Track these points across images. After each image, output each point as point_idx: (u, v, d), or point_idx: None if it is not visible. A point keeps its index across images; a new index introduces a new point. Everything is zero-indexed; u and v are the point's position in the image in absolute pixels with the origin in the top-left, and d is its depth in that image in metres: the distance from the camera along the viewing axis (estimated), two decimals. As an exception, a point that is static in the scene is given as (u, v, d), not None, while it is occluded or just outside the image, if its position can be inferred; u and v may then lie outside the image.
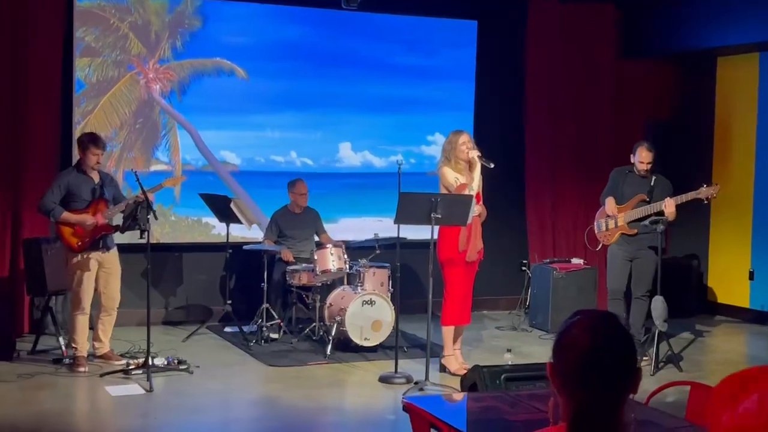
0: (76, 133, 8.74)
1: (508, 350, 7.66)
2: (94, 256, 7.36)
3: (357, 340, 8.06)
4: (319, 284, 8.50)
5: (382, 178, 9.75)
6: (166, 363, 7.36)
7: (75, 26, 8.77)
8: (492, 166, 7.29)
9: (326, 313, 8.37)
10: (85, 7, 8.83)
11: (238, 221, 8.65)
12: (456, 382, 6.75)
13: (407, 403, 4.09)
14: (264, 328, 8.41)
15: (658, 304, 7.86)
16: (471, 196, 7.08)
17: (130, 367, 7.18)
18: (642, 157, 8.03)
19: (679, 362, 7.92)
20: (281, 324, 8.64)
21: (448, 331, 7.48)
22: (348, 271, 8.47)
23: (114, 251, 7.54)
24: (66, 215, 7.26)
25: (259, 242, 8.91)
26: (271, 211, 9.12)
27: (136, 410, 6.41)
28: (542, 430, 2.20)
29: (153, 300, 7.58)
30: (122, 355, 7.67)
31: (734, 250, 10.35)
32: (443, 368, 7.52)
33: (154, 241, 7.74)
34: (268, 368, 7.67)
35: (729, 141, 10.50)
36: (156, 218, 7.31)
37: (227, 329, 8.96)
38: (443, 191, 7.27)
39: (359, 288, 8.28)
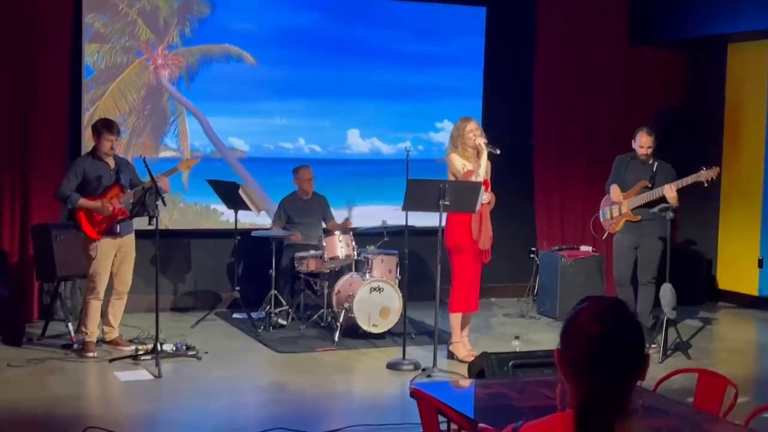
0: (85, 119, 8.76)
1: (516, 337, 7.68)
2: (111, 242, 7.40)
3: (365, 326, 8.08)
4: (327, 271, 8.51)
5: (391, 165, 9.75)
6: (174, 349, 7.39)
7: (84, 12, 8.77)
8: (498, 152, 7.27)
9: (334, 299, 8.38)
10: (94, -7, 8.83)
11: (247, 208, 8.65)
12: (464, 369, 6.76)
13: (415, 390, 4.09)
14: (272, 315, 8.43)
15: (667, 292, 7.85)
16: (480, 183, 7.07)
17: (139, 353, 7.21)
18: (642, 142, 8.03)
19: (688, 350, 7.91)
20: (289, 310, 8.66)
21: (455, 318, 7.48)
22: (356, 257, 8.48)
23: (131, 236, 7.57)
24: (83, 201, 7.30)
25: (268, 228, 8.92)
26: (279, 198, 9.13)
27: (144, 395, 6.44)
28: (550, 416, 2.20)
29: (162, 286, 7.60)
30: (131, 341, 7.71)
31: (743, 238, 10.33)
32: (451, 355, 7.53)
33: (163, 228, 7.76)
34: (276, 354, 7.69)
35: (739, 128, 10.46)
36: (165, 204, 7.33)
37: (235, 315, 8.98)
38: (451, 178, 7.26)
39: (367, 275, 8.29)
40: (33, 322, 8.30)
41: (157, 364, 6.89)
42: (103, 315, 7.58)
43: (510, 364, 5.62)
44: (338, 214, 9.27)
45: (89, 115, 8.76)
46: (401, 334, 7.49)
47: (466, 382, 5.84)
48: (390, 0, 9.91)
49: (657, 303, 8.01)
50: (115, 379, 6.81)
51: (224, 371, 7.13)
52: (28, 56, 8.43)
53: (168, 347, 7.35)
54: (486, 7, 10.21)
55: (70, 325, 7.72)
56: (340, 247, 8.36)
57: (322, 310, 8.54)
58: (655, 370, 6.18)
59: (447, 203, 6.85)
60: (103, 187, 7.38)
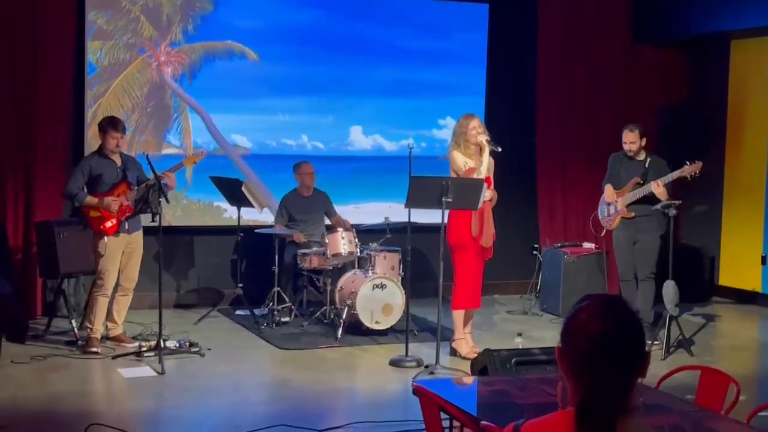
0: (88, 116, 8.78)
1: (519, 334, 7.69)
2: (120, 239, 7.44)
3: (368, 323, 8.08)
4: (330, 268, 8.52)
5: (393, 161, 9.74)
6: (177, 345, 7.40)
7: (87, 9, 8.78)
8: (499, 150, 7.28)
9: (337, 296, 8.39)
10: (97, -10, 8.84)
11: (249, 204, 8.66)
12: (466, 366, 6.76)
13: (417, 387, 4.10)
14: (275, 312, 8.44)
15: (670, 289, 7.86)
16: (482, 180, 7.08)
17: (143, 350, 7.23)
18: (625, 138, 8.17)
19: (690, 347, 7.91)
20: (292, 307, 8.67)
21: (458, 315, 7.49)
22: (359, 254, 8.49)
23: (139, 233, 7.61)
24: (90, 199, 7.33)
25: (271, 225, 8.92)
26: (281, 195, 9.12)
27: (148, 392, 6.45)
28: (551, 414, 2.21)
29: (165, 283, 7.62)
30: (134, 338, 7.73)
31: (746, 235, 10.32)
32: (454, 352, 7.54)
33: (166, 224, 7.77)
34: (279, 351, 7.70)
35: (742, 126, 10.45)
36: (168, 201, 7.34)
37: (238, 312, 8.99)
38: (453, 175, 7.26)
39: (370, 272, 8.29)
40: (36, 319, 8.32)
41: (160, 361, 6.91)
42: (108, 311, 7.60)
43: (513, 361, 5.62)
44: (339, 211, 9.26)
45: (92, 112, 8.78)
46: (404, 331, 7.50)
47: (469, 380, 5.85)
48: (393, -3, 9.92)
49: (659, 300, 8.02)
50: (118, 375, 6.82)
51: (227, 368, 7.14)
52: (31, 53, 8.43)
53: (171, 344, 7.36)
54: (488, 4, 10.20)
55: (73, 321, 7.73)
56: (343, 243, 8.37)
57: (324, 307, 8.55)
58: (657, 367, 6.18)
59: (449, 200, 6.86)
60: (109, 185, 7.40)
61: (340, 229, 8.52)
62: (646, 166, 8.12)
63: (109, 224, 7.36)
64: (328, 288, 8.50)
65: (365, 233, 8.81)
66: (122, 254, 7.51)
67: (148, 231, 7.69)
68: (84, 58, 8.81)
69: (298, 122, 9.74)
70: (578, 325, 2.12)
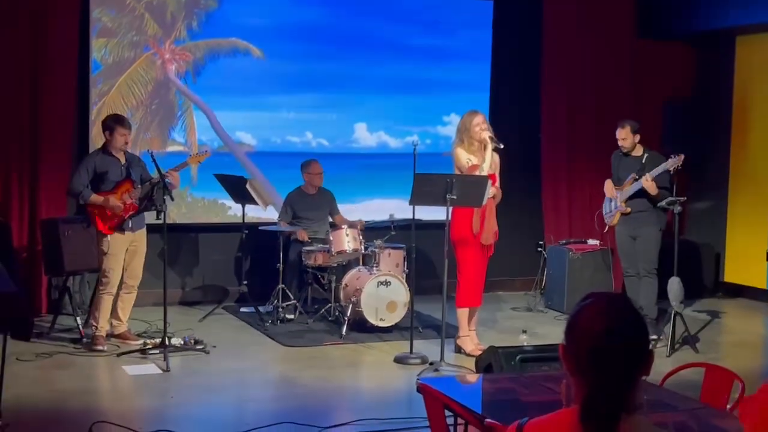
0: (93, 113, 8.78)
1: (524, 331, 7.65)
2: (124, 237, 7.44)
3: (372, 320, 8.09)
4: (335, 265, 8.53)
5: (398, 158, 9.72)
6: (182, 343, 7.41)
7: (91, 7, 8.78)
8: (502, 146, 7.27)
9: (342, 293, 8.39)
10: (101, -13, 8.85)
11: (254, 202, 8.66)
12: (471, 363, 6.76)
13: (421, 385, 4.10)
14: (280, 309, 8.44)
15: (675, 285, 7.86)
16: (486, 177, 7.07)
17: (148, 347, 7.24)
18: (617, 134, 8.26)
19: (696, 343, 7.90)
20: (297, 304, 8.67)
21: (462, 313, 7.48)
22: (363, 251, 8.49)
23: (143, 231, 7.61)
24: (94, 197, 7.33)
25: (275, 223, 8.92)
26: (286, 192, 9.12)
27: (153, 390, 6.45)
28: (555, 412, 2.20)
29: (169, 280, 7.63)
30: (139, 335, 7.73)
31: (752, 231, 10.29)
32: (458, 349, 7.53)
33: (171, 222, 7.78)
34: (283, 348, 7.70)
35: (748, 121, 10.43)
36: (173, 199, 7.34)
37: (243, 309, 9.00)
38: (456, 172, 7.25)
39: (375, 269, 8.29)
40: (42, 317, 8.33)
41: (165, 358, 6.91)
42: (113, 309, 7.61)
43: (517, 358, 5.63)
44: (344, 209, 9.26)
45: (97, 109, 8.78)
46: (408, 328, 7.50)
47: (473, 377, 5.85)
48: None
49: (664, 296, 8.01)
50: (123, 373, 6.83)
51: (232, 365, 7.15)
52: (35, 51, 8.44)
53: (176, 341, 7.36)
54: (493, 0, 10.18)
55: (78, 319, 7.75)
56: (348, 241, 8.37)
57: (329, 304, 8.55)
58: (663, 364, 6.18)
59: (454, 197, 6.85)
60: (114, 183, 7.40)
61: (345, 227, 8.52)
62: (643, 162, 8.17)
63: (111, 223, 7.35)
64: (333, 285, 8.50)
65: (370, 230, 8.81)
66: (126, 252, 7.51)
67: (152, 228, 7.69)
68: (88, 55, 8.81)
69: (302, 119, 9.73)
70: (581, 323, 2.12)
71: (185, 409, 6.14)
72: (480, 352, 6.63)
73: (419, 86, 10.03)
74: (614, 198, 8.33)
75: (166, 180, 7.17)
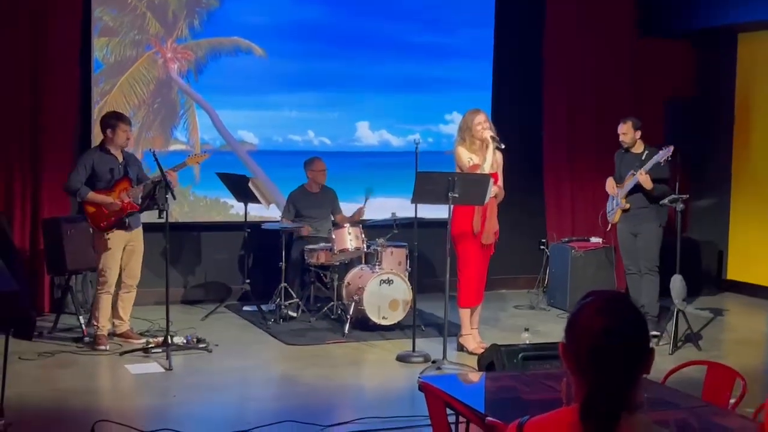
0: (95, 112, 8.78)
1: (526, 329, 7.65)
2: (120, 235, 7.43)
3: (375, 318, 8.09)
4: (337, 263, 8.53)
5: (400, 157, 9.73)
6: (185, 342, 7.41)
7: (93, 6, 8.78)
8: (503, 147, 7.26)
9: (344, 292, 8.40)
10: (103, -14, 8.85)
11: (256, 200, 8.66)
12: (473, 361, 6.76)
13: (423, 383, 4.09)
14: (282, 307, 8.45)
15: (677, 283, 7.86)
16: (488, 176, 7.06)
17: (150, 346, 7.24)
18: (619, 130, 8.30)
19: (698, 341, 7.90)
20: (299, 303, 8.67)
21: (464, 311, 7.48)
22: (366, 250, 8.49)
23: (139, 230, 7.60)
24: (92, 195, 7.32)
25: (278, 221, 8.92)
26: (288, 190, 9.12)
27: (155, 388, 6.46)
28: (555, 411, 2.20)
29: (172, 279, 7.62)
30: (142, 334, 7.74)
31: (755, 228, 10.28)
32: (461, 347, 7.53)
33: (173, 221, 7.78)
34: (286, 347, 7.70)
35: (750, 118, 10.42)
36: (174, 198, 7.34)
37: (246, 308, 9.00)
38: (457, 171, 7.24)
39: (377, 267, 8.29)
40: (44, 316, 8.34)
41: (167, 357, 6.92)
42: (114, 308, 7.61)
43: (520, 356, 5.61)
44: (348, 207, 9.26)
45: (98, 108, 8.78)
46: (411, 326, 7.50)
47: (475, 375, 5.84)
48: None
49: (667, 293, 8.01)
50: (126, 372, 6.84)
51: (234, 364, 7.15)
52: (37, 50, 8.44)
53: (178, 340, 7.37)
54: (495, -2, 10.19)
55: (81, 318, 7.75)
56: (350, 239, 8.37)
57: (332, 303, 8.55)
58: (665, 362, 6.18)
59: (456, 195, 6.84)
60: (112, 181, 7.40)
61: (347, 225, 8.52)
62: (643, 158, 8.18)
63: (108, 222, 7.34)
64: (335, 283, 8.50)
65: (372, 228, 8.81)
66: (123, 252, 7.50)
67: (155, 227, 7.70)
68: (90, 55, 8.82)
69: (304, 118, 9.74)
70: (582, 322, 2.12)
71: (188, 407, 6.15)
72: (482, 350, 6.62)
73: (421, 84, 10.03)
74: (615, 195, 8.35)
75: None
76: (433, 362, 7.00)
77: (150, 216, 7.56)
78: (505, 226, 7.63)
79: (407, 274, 8.41)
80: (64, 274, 8.07)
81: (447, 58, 10.08)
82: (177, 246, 9.04)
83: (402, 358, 7.24)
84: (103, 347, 7.33)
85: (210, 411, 6.09)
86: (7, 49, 8.33)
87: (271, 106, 9.58)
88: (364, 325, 8.15)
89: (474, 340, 7.50)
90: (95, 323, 7.46)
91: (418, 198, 7.05)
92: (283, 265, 8.50)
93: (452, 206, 7.05)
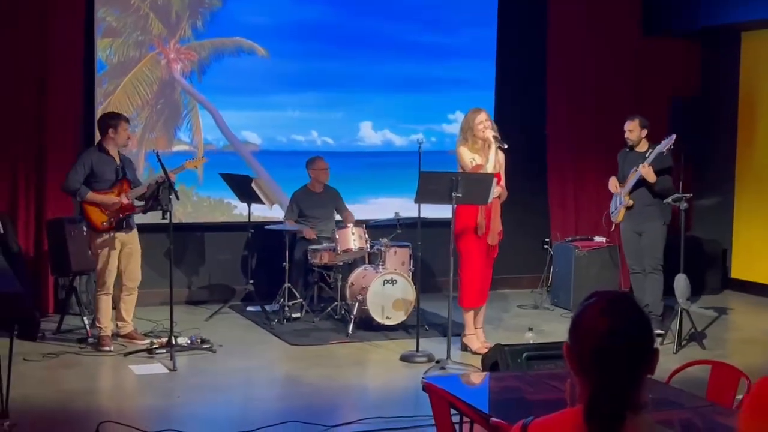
0: (98, 113, 8.77)
1: (530, 329, 7.64)
2: (118, 237, 7.43)
3: (378, 318, 8.08)
4: (341, 263, 8.53)
5: (403, 156, 9.72)
6: (189, 342, 7.41)
7: (96, 7, 8.79)
8: (506, 146, 7.25)
9: (348, 292, 8.39)
10: (106, -13, 8.86)
11: (260, 201, 8.67)
12: (477, 361, 6.75)
13: (426, 383, 4.09)
14: (286, 308, 8.45)
15: (681, 282, 7.85)
16: (492, 175, 7.05)
17: (154, 347, 7.25)
18: (625, 126, 8.32)
19: (703, 340, 7.89)
20: (303, 303, 8.67)
21: (467, 311, 7.47)
22: (369, 250, 8.48)
23: (134, 231, 7.60)
24: (92, 195, 7.32)
25: (281, 222, 8.93)
26: (292, 191, 9.12)
27: (159, 389, 6.46)
28: (560, 411, 2.20)
29: (176, 280, 7.63)
30: (146, 335, 7.74)
31: (759, 226, 10.27)
32: (464, 347, 7.53)
33: (177, 221, 7.78)
34: (290, 347, 7.70)
35: (754, 116, 10.40)
36: (178, 198, 7.34)
37: (249, 308, 9.00)
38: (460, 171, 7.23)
39: (380, 267, 8.29)
40: (48, 317, 8.35)
41: (171, 358, 6.92)
42: (117, 310, 7.62)
43: (523, 356, 5.61)
44: (351, 208, 9.25)
45: (102, 109, 8.77)
46: (415, 326, 7.50)
47: (478, 376, 5.84)
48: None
49: (671, 292, 8.00)
50: (130, 372, 6.84)
51: (238, 364, 7.16)
52: (40, 51, 8.45)
53: (182, 341, 7.37)
54: (498, -3, 10.19)
55: (85, 319, 7.76)
56: (353, 239, 8.37)
57: (335, 303, 8.55)
58: (669, 361, 6.17)
59: (459, 195, 6.84)
60: (110, 182, 7.40)
61: (350, 225, 8.52)
62: (647, 156, 8.17)
63: (106, 222, 7.34)
64: (339, 284, 8.50)
65: (375, 228, 8.81)
66: (121, 254, 7.48)
67: (158, 228, 7.70)
68: (93, 55, 8.82)
69: (307, 118, 9.73)
70: (585, 323, 2.11)
71: (192, 408, 6.15)
72: (486, 350, 6.62)
73: (424, 84, 10.02)
74: (618, 193, 8.33)
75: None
76: (437, 362, 6.99)
77: (154, 217, 7.55)
78: (508, 226, 7.62)
79: (411, 274, 8.41)
80: (68, 275, 8.08)
81: (450, 58, 10.08)
82: (180, 247, 9.04)
83: (406, 358, 7.24)
84: (107, 348, 7.34)
85: (214, 411, 6.09)
86: (10, 50, 8.34)
87: (274, 107, 9.58)
88: (367, 325, 8.15)
89: (478, 340, 7.50)
90: (98, 325, 7.46)
91: (421, 198, 7.05)
92: (286, 265, 8.50)
93: (455, 206, 7.04)
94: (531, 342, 6.36)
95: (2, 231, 8.00)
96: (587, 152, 10.28)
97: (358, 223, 8.74)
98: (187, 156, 8.30)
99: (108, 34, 8.90)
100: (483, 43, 10.17)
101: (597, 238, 9.70)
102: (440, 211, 7.43)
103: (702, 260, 10.29)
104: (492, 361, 5.82)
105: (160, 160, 7.12)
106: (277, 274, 8.63)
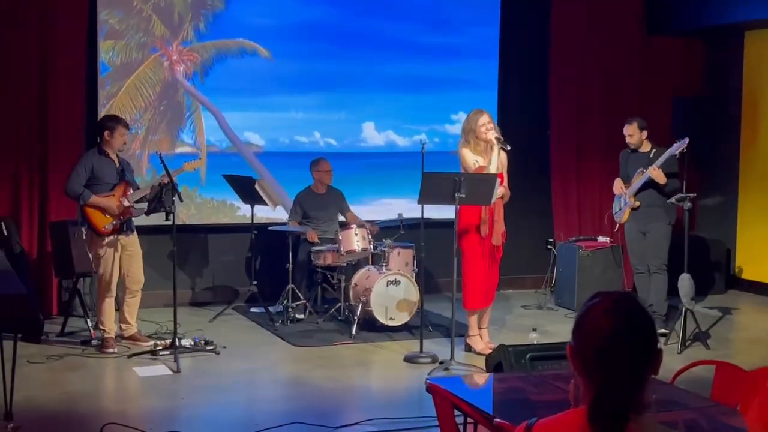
0: (102, 115, 8.78)
1: (534, 329, 7.65)
2: (119, 239, 7.43)
3: (382, 319, 8.08)
4: (344, 264, 8.53)
5: (406, 157, 9.70)
6: (193, 344, 7.41)
7: (99, 9, 8.80)
8: (509, 149, 7.23)
9: (351, 293, 8.39)
10: (109, -11, 8.86)
11: (263, 202, 8.67)
12: (481, 362, 6.75)
13: (430, 384, 4.08)
14: (290, 309, 8.45)
15: (685, 282, 7.83)
16: (495, 176, 7.04)
17: (158, 348, 7.25)
18: (625, 131, 8.29)
19: (707, 340, 7.87)
20: (307, 304, 8.67)
21: (471, 312, 7.46)
22: (373, 251, 8.48)
23: (134, 234, 7.60)
24: (94, 199, 7.32)
25: (284, 223, 8.93)
26: (295, 192, 9.12)
27: (163, 391, 6.46)
28: (564, 412, 2.19)
29: (179, 281, 7.63)
30: (150, 337, 7.75)
31: (763, 225, 10.25)
32: (468, 348, 7.52)
33: (180, 223, 7.78)
34: (293, 348, 7.70)
35: (757, 115, 10.39)
36: (181, 200, 7.35)
37: (253, 310, 9.01)
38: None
39: (384, 268, 8.29)
40: (52, 318, 8.35)
41: (175, 360, 6.92)
42: (120, 313, 7.62)
43: (527, 356, 5.60)
44: (354, 209, 9.25)
45: (105, 111, 8.78)
46: (418, 327, 7.49)
47: (482, 377, 5.83)
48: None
49: (675, 292, 7.99)
50: (133, 374, 6.84)
51: (242, 365, 7.15)
52: (43, 54, 8.46)
53: (186, 342, 7.37)
54: (500, -3, 10.18)
55: (89, 321, 7.77)
56: (357, 240, 8.37)
57: (339, 304, 8.55)
58: (673, 361, 6.16)
59: (462, 196, 6.83)
60: (110, 185, 7.40)
61: (354, 226, 8.52)
62: (651, 157, 8.17)
63: (109, 225, 7.35)
64: (343, 285, 8.50)
65: (379, 229, 8.81)
66: (122, 257, 7.48)
67: (161, 230, 7.70)
68: (96, 57, 8.83)
69: (310, 119, 9.73)
70: (589, 323, 2.11)
71: (196, 409, 6.15)
72: (490, 351, 6.61)
73: (427, 85, 10.02)
74: (623, 195, 8.31)
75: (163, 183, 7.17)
76: (441, 363, 6.99)
77: (157, 218, 7.55)
78: (512, 226, 7.61)
79: (414, 274, 8.40)
80: (71, 277, 8.08)
81: (453, 58, 10.07)
82: (184, 248, 9.04)
83: (409, 359, 7.23)
84: (111, 350, 7.34)
85: (218, 413, 6.08)
86: (13, 52, 8.35)
87: (277, 108, 9.58)
88: (371, 326, 8.15)
89: (482, 340, 7.49)
90: (101, 327, 7.46)
91: (424, 198, 7.04)
92: (290, 266, 8.50)
93: (458, 206, 7.03)
94: (535, 342, 6.36)
95: (6, 233, 8.00)
96: (590, 152, 10.28)
97: (368, 222, 8.73)
98: (191, 157, 8.29)
99: (111, 36, 8.91)
100: (486, 43, 10.16)
101: (600, 238, 9.69)
102: (444, 212, 7.42)
103: (706, 260, 10.28)
104: (496, 362, 5.81)
105: (163, 162, 7.12)
106: (281, 276, 8.64)
